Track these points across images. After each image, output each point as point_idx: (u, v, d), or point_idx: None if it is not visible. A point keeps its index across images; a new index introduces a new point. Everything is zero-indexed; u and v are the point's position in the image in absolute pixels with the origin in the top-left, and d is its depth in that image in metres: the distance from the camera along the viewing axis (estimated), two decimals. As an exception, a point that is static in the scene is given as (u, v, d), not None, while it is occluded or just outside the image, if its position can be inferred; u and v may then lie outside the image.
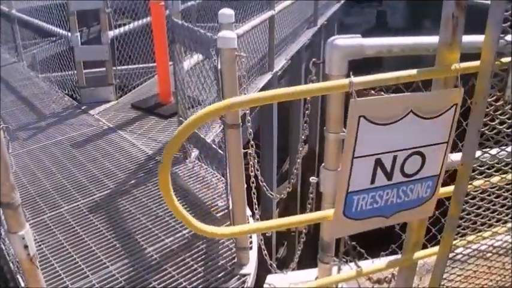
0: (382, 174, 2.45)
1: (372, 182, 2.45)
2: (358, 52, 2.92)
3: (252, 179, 4.38)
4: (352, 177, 2.40)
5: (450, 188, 2.68)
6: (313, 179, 3.44)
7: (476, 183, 2.59)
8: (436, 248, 2.89)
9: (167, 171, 2.17)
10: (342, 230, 2.68)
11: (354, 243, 3.64)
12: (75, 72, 8.39)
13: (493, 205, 2.75)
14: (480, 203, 2.68)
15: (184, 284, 4.19)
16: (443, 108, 2.35)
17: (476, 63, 2.34)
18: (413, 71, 2.36)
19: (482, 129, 2.37)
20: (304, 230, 4.18)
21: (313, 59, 3.14)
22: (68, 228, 4.97)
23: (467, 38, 2.45)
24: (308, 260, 4.34)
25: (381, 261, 3.07)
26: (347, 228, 2.61)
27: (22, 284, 3.96)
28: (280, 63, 9.32)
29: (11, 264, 4.17)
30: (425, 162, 2.48)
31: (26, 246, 2.84)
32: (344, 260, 3.75)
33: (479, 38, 2.42)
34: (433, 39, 2.58)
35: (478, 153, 2.45)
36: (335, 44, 2.91)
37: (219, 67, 3.80)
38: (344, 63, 2.90)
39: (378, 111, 2.25)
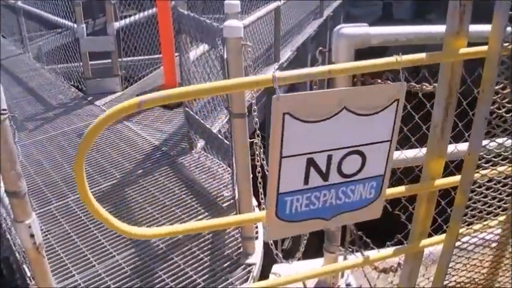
0: (317, 175, 2.31)
1: (306, 182, 2.31)
2: (364, 41, 2.92)
3: (258, 168, 4.38)
4: (282, 177, 2.26)
5: (456, 178, 2.68)
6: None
7: (483, 172, 2.57)
8: (442, 236, 2.89)
9: (81, 171, 2.11)
10: (277, 232, 2.55)
11: (360, 232, 3.64)
12: (81, 63, 8.40)
13: (500, 194, 2.74)
14: (486, 191, 2.68)
15: (190, 273, 4.21)
16: (383, 105, 2.23)
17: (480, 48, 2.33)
18: (417, 55, 2.32)
19: (489, 118, 2.35)
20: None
21: (320, 48, 3.13)
22: (74, 218, 4.99)
23: (474, 27, 2.44)
24: (314, 251, 4.34)
25: (387, 251, 3.06)
26: (283, 230, 2.46)
27: (28, 274, 3.97)
28: (286, 54, 9.31)
29: (17, 254, 4.19)
30: (366, 161, 2.35)
31: (32, 235, 2.84)
32: (350, 249, 3.76)
33: (486, 27, 2.42)
34: (440, 28, 2.57)
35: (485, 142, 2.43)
36: (341, 33, 2.92)
37: (225, 57, 3.80)
38: (350, 52, 2.90)
39: (305, 108, 2.11)
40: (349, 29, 2.92)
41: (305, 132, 2.16)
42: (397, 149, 3.39)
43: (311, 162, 2.26)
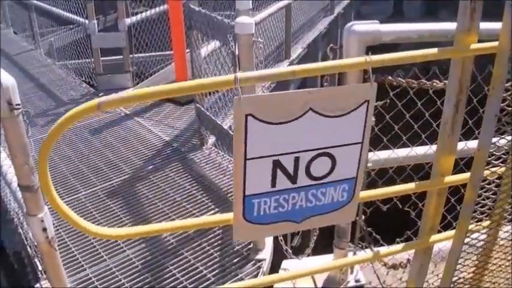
0: (284, 177, 2.27)
1: (273, 185, 2.28)
2: (375, 38, 2.93)
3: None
4: (248, 180, 2.23)
5: (466, 175, 2.69)
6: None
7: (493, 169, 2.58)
8: (452, 232, 2.90)
9: (45, 171, 2.11)
10: (246, 234, 2.55)
11: (369, 229, 3.66)
12: (93, 59, 8.42)
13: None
14: (495, 188, 2.69)
15: (200, 268, 4.23)
16: (352, 106, 2.17)
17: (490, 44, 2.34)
18: (429, 50, 2.31)
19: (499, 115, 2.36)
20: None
21: (331, 45, 3.14)
22: (85, 213, 5.01)
23: (484, 25, 2.45)
24: (324, 247, 4.35)
25: (397, 246, 3.07)
26: (252, 232, 2.45)
27: (40, 268, 4.00)
28: (297, 51, 9.30)
29: (28, 249, 4.22)
30: (337, 164, 2.31)
31: (44, 229, 2.86)
32: (359, 245, 3.77)
33: (496, 25, 2.43)
34: (451, 26, 2.59)
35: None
36: (352, 30, 2.93)
37: (236, 53, 3.82)
38: (361, 49, 2.92)
39: (269, 110, 2.07)
40: (360, 26, 2.93)
41: (269, 134, 2.13)
42: (407, 146, 3.42)
43: (277, 165, 2.23)
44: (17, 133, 2.60)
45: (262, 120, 2.08)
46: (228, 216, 2.54)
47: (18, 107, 2.60)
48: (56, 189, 5.09)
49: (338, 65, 2.26)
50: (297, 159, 2.24)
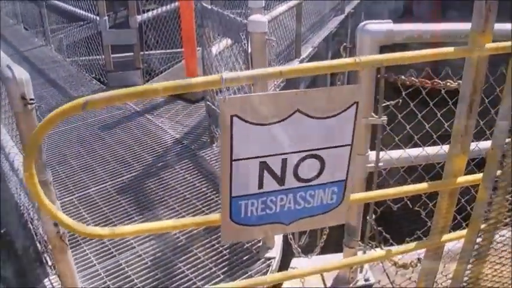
0: (272, 179, 2.24)
1: (260, 186, 2.25)
2: (388, 37, 2.93)
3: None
4: (235, 181, 2.20)
5: (479, 175, 2.69)
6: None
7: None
8: (463, 232, 2.90)
9: (31, 169, 2.09)
10: (232, 235, 2.49)
11: (380, 228, 3.66)
12: (103, 56, 8.44)
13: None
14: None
15: (210, 265, 4.24)
16: (340, 107, 2.14)
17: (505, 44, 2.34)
18: (444, 49, 2.31)
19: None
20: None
21: (344, 44, 3.14)
22: (95, 209, 5.03)
23: (498, 26, 2.44)
24: (333, 246, 4.35)
25: (408, 245, 3.07)
26: (240, 233, 2.41)
27: (49, 263, 4.02)
28: (307, 50, 9.29)
29: (38, 244, 4.23)
30: (325, 166, 2.28)
31: (56, 224, 2.88)
32: (369, 245, 3.77)
33: (509, 26, 2.43)
34: (465, 26, 2.58)
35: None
36: (366, 29, 2.94)
37: (249, 51, 3.82)
38: (374, 48, 2.92)
39: (254, 111, 2.04)
40: (373, 25, 2.94)
41: (255, 135, 2.10)
42: (419, 146, 3.42)
43: (264, 166, 2.20)
44: (30, 127, 2.60)
45: (248, 121, 2.06)
46: (216, 217, 2.51)
47: (32, 101, 2.61)
48: (66, 185, 5.14)
49: (328, 65, 2.22)
50: (284, 161, 2.21)
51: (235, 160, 2.14)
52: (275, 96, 2.11)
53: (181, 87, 2.08)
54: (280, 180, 2.26)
